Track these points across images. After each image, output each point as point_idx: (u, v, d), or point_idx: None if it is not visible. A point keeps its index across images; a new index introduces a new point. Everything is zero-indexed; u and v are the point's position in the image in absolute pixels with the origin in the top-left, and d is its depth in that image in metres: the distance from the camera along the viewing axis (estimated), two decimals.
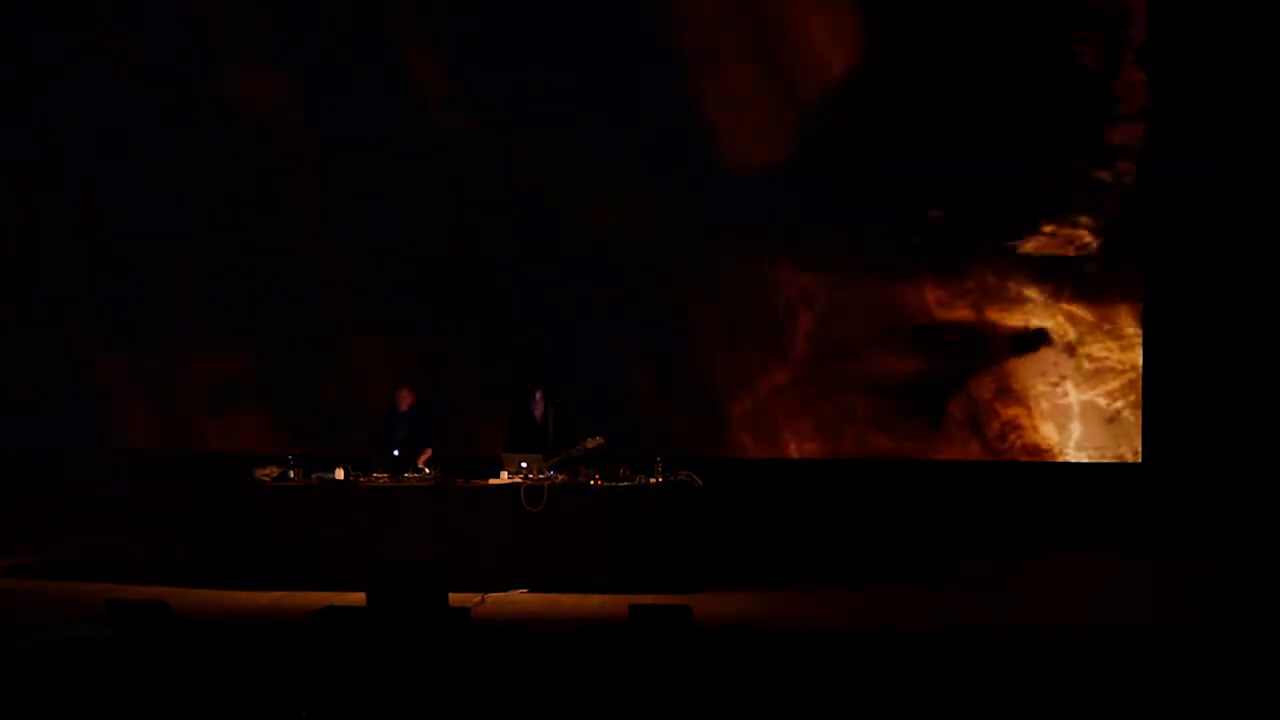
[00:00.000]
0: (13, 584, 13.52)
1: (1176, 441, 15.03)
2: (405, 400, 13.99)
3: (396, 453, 13.74)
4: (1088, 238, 15.22)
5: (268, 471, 13.52)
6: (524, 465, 13.23)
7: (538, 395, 13.85)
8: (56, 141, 16.19)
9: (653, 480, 13.14)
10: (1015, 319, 15.34)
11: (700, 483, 13.12)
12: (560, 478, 13.28)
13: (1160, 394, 15.13)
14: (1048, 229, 15.26)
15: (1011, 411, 15.39)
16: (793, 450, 15.64)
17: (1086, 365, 15.26)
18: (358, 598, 11.55)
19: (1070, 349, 15.29)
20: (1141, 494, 14.98)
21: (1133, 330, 15.20)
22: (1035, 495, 15.12)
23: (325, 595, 12.42)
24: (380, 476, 13.50)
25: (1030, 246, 15.29)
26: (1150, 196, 15.06)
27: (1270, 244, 14.89)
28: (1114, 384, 15.23)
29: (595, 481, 13.16)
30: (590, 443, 13.64)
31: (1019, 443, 15.37)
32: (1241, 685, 9.91)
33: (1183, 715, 9.33)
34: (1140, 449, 15.18)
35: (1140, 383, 15.16)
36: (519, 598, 12.86)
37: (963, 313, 15.38)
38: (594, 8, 15.60)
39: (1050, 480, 15.27)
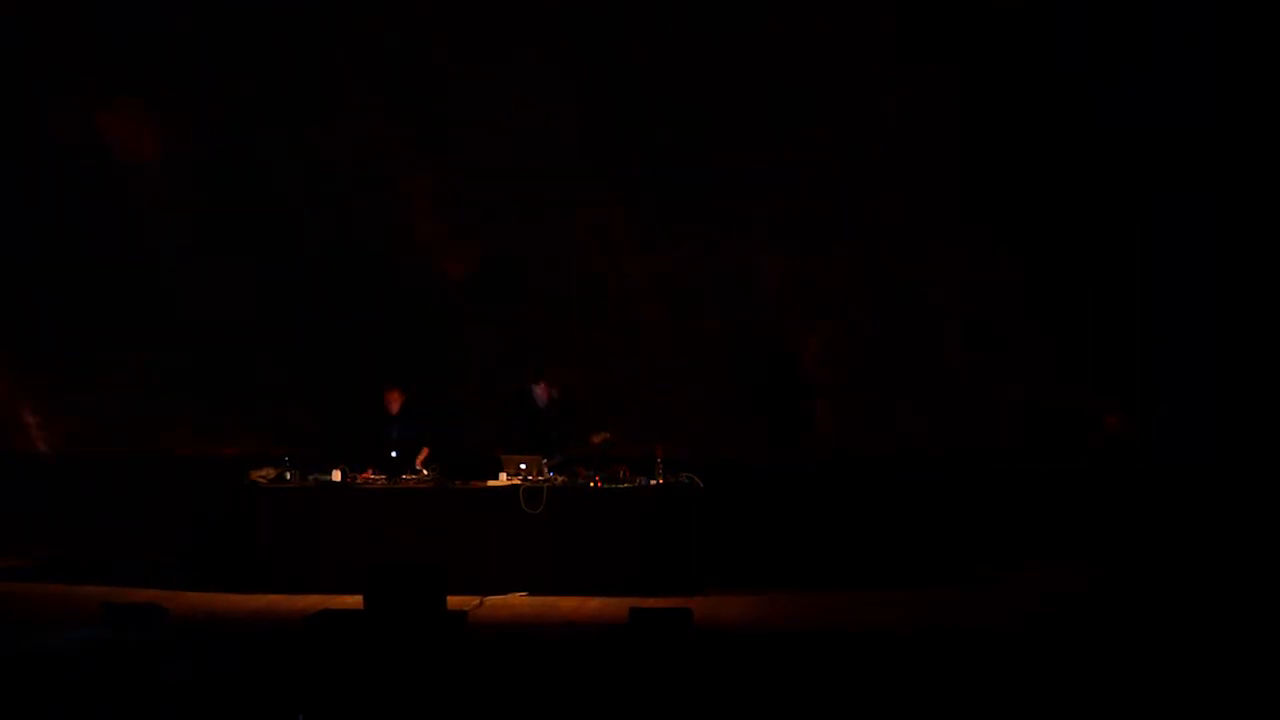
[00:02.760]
0: (9, 587, 13.48)
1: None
2: (395, 402, 13.91)
3: (395, 454, 13.67)
4: None
5: (264, 473, 13.45)
6: (523, 466, 13.17)
7: (542, 387, 13.76)
8: None
9: (653, 482, 13.08)
10: None
11: (700, 484, 13.06)
12: (560, 479, 13.21)
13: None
14: None
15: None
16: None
17: None
18: (355, 600, 11.50)
19: None
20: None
21: None
22: (1039, 498, 15.06)
23: (322, 598, 12.38)
24: (378, 478, 13.43)
25: None
26: None
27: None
28: None
29: (595, 483, 13.11)
30: (597, 438, 13.56)
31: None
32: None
33: None
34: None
35: None
36: (518, 600, 12.80)
37: None
38: None
39: (1050, 483, 15.22)
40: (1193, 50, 14.93)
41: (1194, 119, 14.94)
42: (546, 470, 13.22)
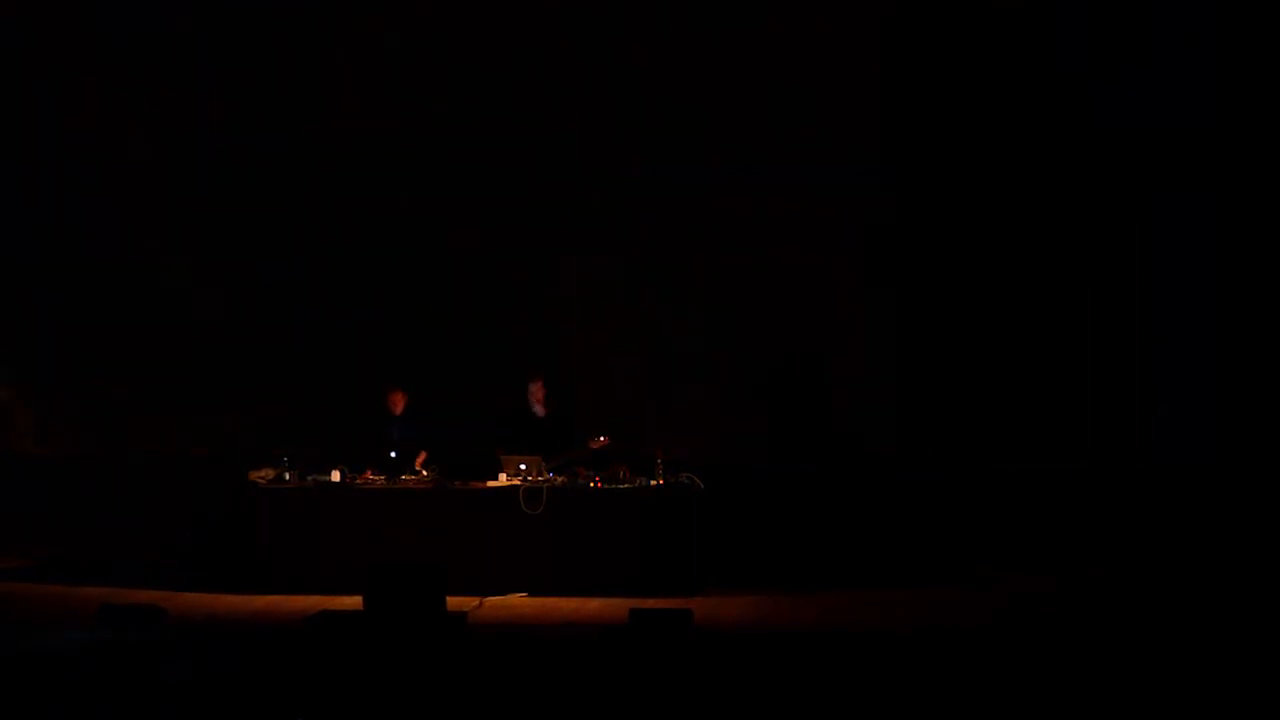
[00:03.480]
0: (9, 587, 13.47)
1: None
2: (399, 403, 13.91)
3: (394, 455, 13.66)
4: None
5: (263, 474, 13.44)
6: (523, 467, 13.17)
7: (538, 386, 13.73)
8: None
9: (653, 483, 13.08)
10: None
11: (700, 485, 13.05)
12: (559, 480, 13.21)
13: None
14: None
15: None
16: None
17: None
18: (355, 600, 11.49)
19: None
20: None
21: None
22: (1039, 498, 15.06)
23: (322, 598, 12.37)
24: (377, 478, 13.42)
25: None
26: None
27: None
28: None
29: (595, 484, 13.10)
30: (595, 443, 13.55)
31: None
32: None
33: None
34: None
35: None
36: (518, 601, 12.79)
37: None
38: None
39: (1050, 483, 15.22)
40: (1193, 50, 14.93)
41: (1194, 119, 14.95)
42: (546, 471, 13.21)
